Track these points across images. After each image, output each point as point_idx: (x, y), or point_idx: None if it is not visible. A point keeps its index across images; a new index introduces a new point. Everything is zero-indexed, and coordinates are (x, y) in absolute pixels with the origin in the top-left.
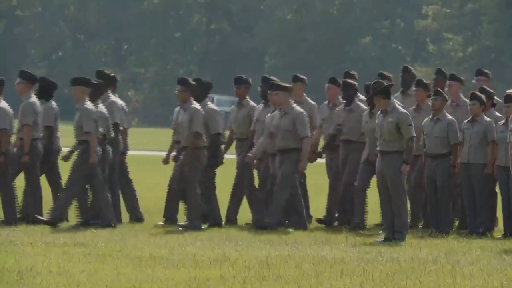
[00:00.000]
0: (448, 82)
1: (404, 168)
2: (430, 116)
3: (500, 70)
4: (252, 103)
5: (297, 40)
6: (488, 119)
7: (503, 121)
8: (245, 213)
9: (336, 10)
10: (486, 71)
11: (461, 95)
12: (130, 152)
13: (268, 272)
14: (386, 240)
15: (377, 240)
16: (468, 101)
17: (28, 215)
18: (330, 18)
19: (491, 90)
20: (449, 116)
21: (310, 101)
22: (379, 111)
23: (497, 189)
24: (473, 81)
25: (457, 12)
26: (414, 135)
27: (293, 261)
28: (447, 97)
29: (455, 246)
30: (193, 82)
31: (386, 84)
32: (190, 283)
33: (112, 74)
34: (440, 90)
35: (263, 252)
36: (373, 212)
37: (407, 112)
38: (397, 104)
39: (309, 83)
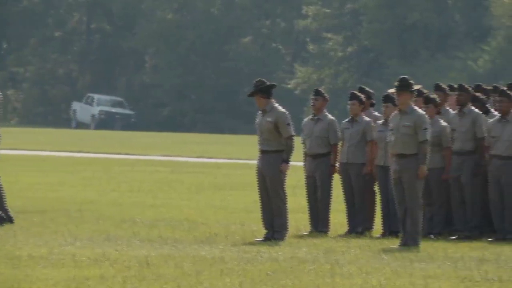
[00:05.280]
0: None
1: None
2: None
3: (379, 70)
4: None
5: (178, 39)
6: (367, 118)
7: (382, 121)
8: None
9: (217, 9)
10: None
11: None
12: (9, 152)
13: (148, 272)
14: (266, 239)
15: (256, 239)
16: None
17: None
18: (211, 17)
19: (370, 90)
20: (330, 116)
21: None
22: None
23: (376, 188)
24: None
25: (337, 12)
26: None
27: (173, 260)
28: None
29: (334, 246)
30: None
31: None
32: (69, 283)
33: None
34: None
35: (143, 252)
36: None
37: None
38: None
39: (189, 82)
